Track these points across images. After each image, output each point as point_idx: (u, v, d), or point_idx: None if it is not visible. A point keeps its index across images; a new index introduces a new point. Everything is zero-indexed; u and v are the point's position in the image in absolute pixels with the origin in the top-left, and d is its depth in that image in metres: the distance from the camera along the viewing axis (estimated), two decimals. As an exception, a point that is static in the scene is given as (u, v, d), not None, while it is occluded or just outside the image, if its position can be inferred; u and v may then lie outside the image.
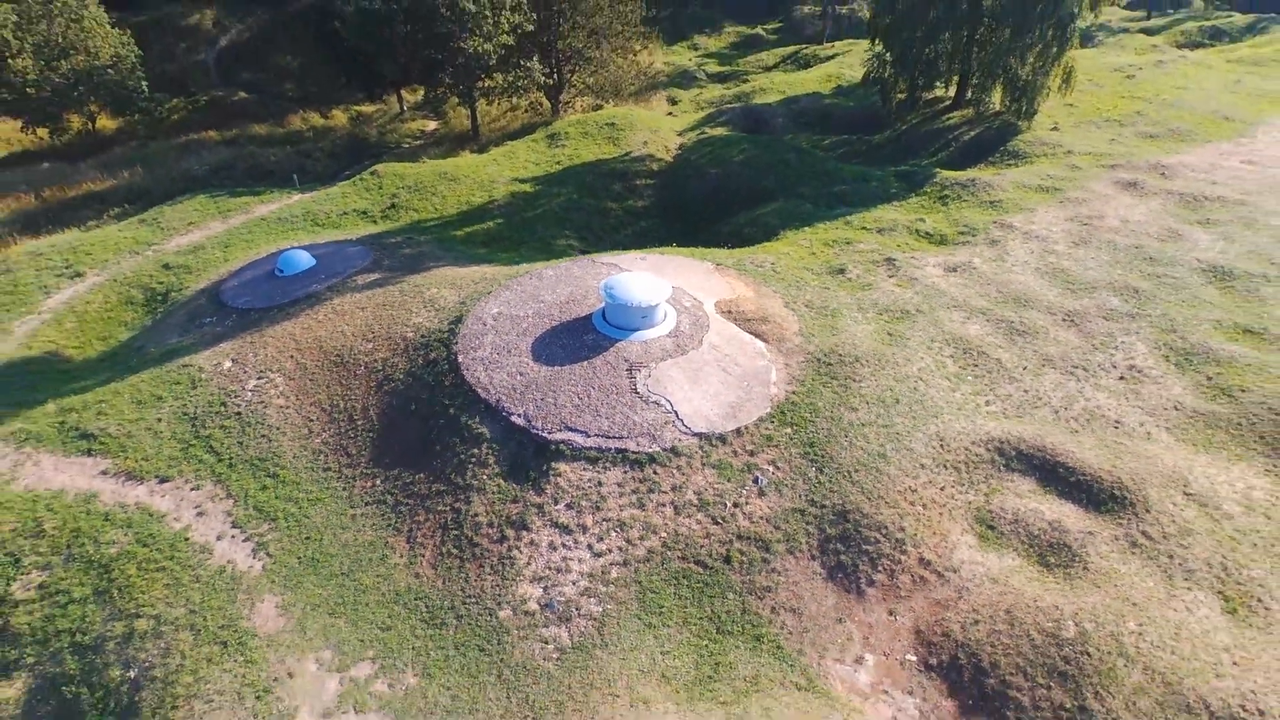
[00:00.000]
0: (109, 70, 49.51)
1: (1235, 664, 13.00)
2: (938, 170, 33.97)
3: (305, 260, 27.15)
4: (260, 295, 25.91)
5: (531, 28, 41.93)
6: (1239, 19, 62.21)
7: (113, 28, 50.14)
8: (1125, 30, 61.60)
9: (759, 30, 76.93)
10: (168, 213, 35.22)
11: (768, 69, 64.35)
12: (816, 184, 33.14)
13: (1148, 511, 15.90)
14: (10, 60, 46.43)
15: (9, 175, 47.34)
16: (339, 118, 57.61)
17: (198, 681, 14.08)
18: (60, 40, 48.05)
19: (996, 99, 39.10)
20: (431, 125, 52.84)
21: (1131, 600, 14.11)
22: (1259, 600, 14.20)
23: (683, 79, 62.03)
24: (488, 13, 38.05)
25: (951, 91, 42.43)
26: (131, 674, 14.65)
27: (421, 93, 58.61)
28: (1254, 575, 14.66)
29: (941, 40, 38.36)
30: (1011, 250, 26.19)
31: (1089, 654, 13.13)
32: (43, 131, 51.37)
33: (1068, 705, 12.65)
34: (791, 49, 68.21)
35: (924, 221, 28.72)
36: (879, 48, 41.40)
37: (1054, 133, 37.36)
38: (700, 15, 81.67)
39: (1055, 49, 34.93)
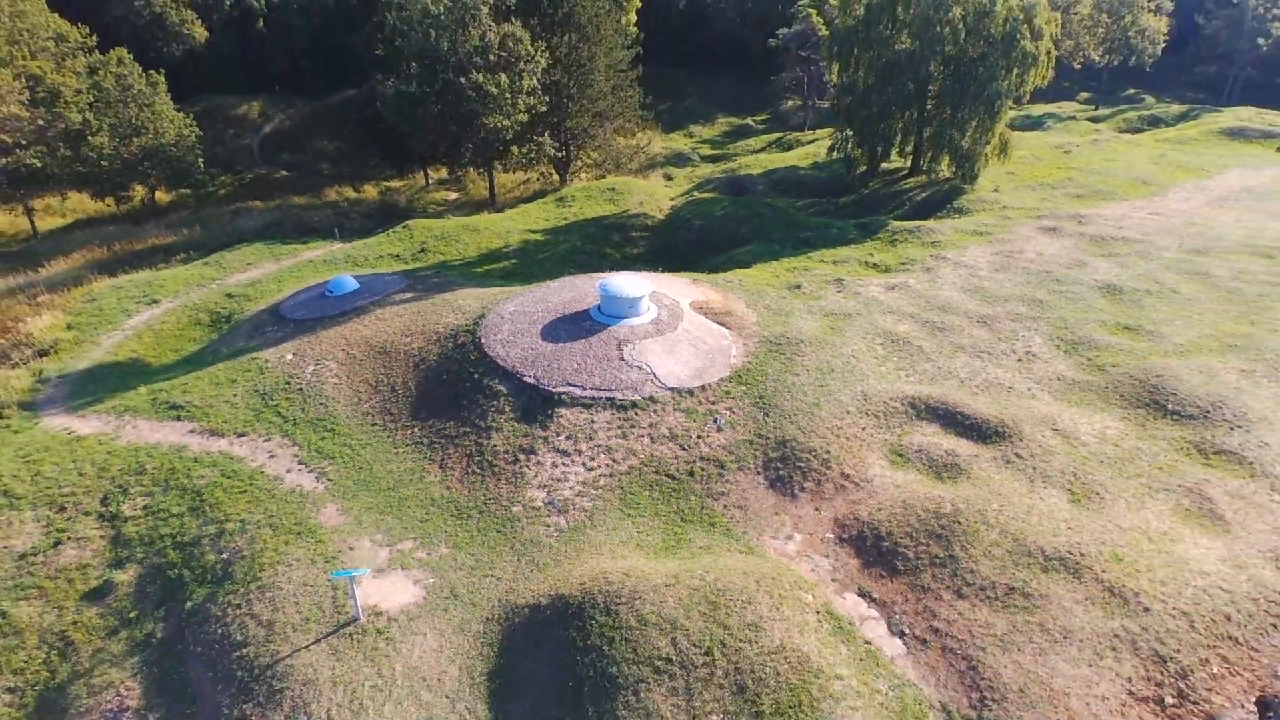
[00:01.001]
0: (172, 147, 56.32)
1: (1069, 528, 17.17)
2: (891, 220, 39.56)
3: (351, 284, 32.35)
4: (314, 309, 30.96)
5: (544, 109, 48.76)
6: (1175, 108, 69.71)
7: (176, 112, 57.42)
8: (1074, 119, 68.93)
9: (749, 121, 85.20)
10: (228, 256, 40.89)
11: (755, 152, 71.62)
12: (786, 231, 38.68)
13: (1021, 441, 20.29)
14: (90, 138, 53.22)
15: (80, 235, 53.57)
16: (370, 191, 64.50)
17: (279, 555, 18.23)
18: (134, 121, 55.01)
19: (945, 167, 45.18)
20: (453, 195, 59.50)
21: (998, 493, 18.36)
22: (1096, 494, 18.43)
23: (678, 160, 69.16)
24: (508, 95, 44.76)
25: (908, 162, 48.66)
26: (224, 556, 18.82)
27: (445, 171, 65.84)
28: (1096, 479, 18.92)
29: (894, 117, 44.80)
30: (942, 275, 31.29)
31: (959, 523, 17.32)
32: (110, 200, 58.13)
33: (940, 554, 16.77)
34: (777, 135, 75.92)
35: (873, 256, 34.00)
36: (843, 124, 47.94)
37: (994, 194, 43.19)
38: (696, 108, 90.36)
39: (988, 121, 41.13)
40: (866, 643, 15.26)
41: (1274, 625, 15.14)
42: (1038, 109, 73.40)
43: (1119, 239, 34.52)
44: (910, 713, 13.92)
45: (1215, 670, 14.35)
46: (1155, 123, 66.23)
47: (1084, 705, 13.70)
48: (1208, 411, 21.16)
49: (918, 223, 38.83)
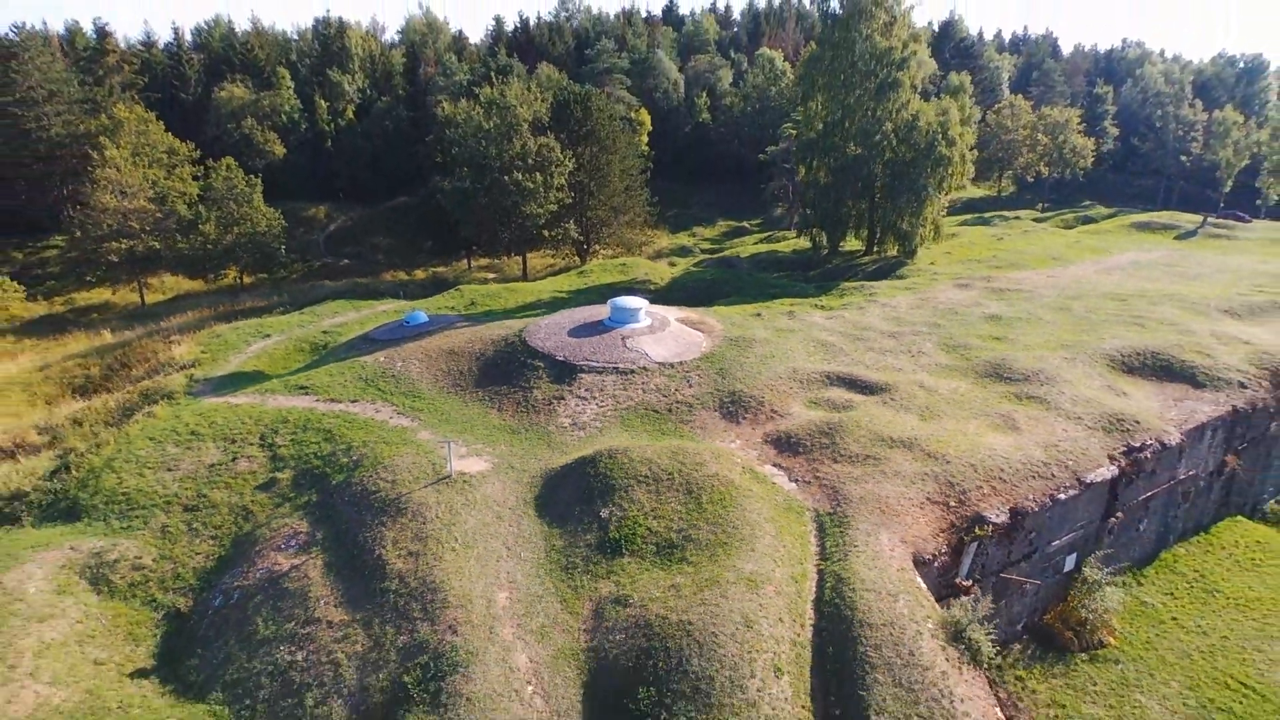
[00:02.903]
0: (263, 235, 68.66)
1: (912, 430, 26.25)
2: (843, 282, 49.98)
3: (423, 317, 42.74)
4: (396, 334, 41.16)
5: (570, 201, 60.77)
6: (1104, 210, 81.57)
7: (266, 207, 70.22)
8: (1018, 218, 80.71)
9: (744, 224, 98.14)
10: (318, 308, 51.70)
11: (748, 246, 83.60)
12: (758, 289, 49.13)
13: (896, 392, 29.59)
14: (200, 226, 65.72)
15: (185, 302, 65.15)
16: (420, 274, 76.49)
17: (394, 452, 27.49)
18: (234, 213, 67.62)
19: (890, 246, 56.05)
20: (491, 275, 71.10)
21: (871, 414, 27.55)
22: (937, 416, 27.58)
23: (682, 251, 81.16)
24: (541, 189, 56.76)
25: (862, 243, 59.69)
26: (354, 458, 28.09)
27: (484, 261, 77.94)
28: (941, 409, 28.11)
29: (848, 206, 56.18)
30: (870, 311, 41.27)
31: (842, 426, 26.47)
32: (203, 280, 70.20)
33: (826, 442, 25.84)
34: (767, 233, 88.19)
35: (821, 302, 44.17)
36: (810, 214, 59.41)
37: (930, 266, 53.74)
38: (699, 214, 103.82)
39: (919, 209, 52.26)
40: (772, 483, 24.23)
41: (1032, 477, 24.04)
42: (991, 213, 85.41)
43: (1013, 290, 44.59)
44: (793, 509, 22.79)
45: (985, 493, 23.19)
46: (1087, 221, 77.75)
47: (897, 503, 22.53)
48: (1028, 376, 30.50)
49: (863, 283, 49.23)
